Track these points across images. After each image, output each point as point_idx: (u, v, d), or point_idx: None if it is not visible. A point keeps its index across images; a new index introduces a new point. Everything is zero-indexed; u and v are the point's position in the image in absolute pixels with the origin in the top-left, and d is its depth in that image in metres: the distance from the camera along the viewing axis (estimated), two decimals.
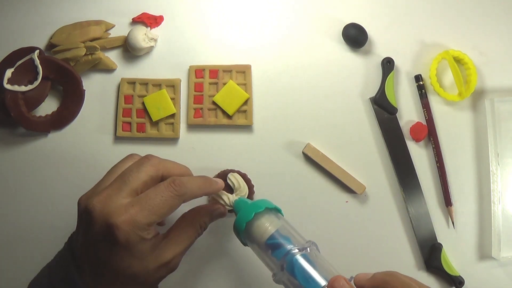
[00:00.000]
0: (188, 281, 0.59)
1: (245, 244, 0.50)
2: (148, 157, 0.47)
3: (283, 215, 0.50)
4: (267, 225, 0.47)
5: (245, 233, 0.48)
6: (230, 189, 0.55)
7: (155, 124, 0.60)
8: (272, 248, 0.46)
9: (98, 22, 0.62)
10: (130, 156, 0.50)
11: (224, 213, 0.53)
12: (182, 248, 0.47)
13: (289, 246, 0.45)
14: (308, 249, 0.45)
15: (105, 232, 0.43)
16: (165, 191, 0.44)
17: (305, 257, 0.44)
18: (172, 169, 0.48)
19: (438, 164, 0.59)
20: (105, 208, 0.43)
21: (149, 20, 0.62)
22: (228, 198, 0.53)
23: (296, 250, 0.45)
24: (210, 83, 0.60)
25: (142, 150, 0.60)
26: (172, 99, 0.60)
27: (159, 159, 0.48)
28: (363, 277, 0.43)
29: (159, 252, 0.46)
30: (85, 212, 0.44)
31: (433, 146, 0.59)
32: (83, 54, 0.60)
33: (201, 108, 0.60)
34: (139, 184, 0.45)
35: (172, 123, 0.60)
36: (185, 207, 0.49)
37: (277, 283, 0.45)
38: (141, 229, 0.43)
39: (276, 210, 0.50)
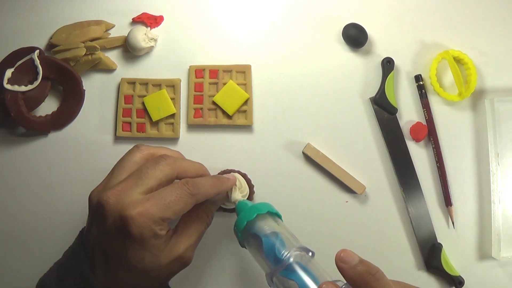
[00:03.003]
0: (190, 280, 0.59)
1: (243, 246, 0.50)
2: (164, 156, 0.48)
3: (282, 221, 0.50)
4: (266, 228, 0.47)
5: (244, 233, 0.48)
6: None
7: (155, 124, 0.60)
8: (267, 251, 0.46)
9: (98, 22, 0.62)
10: (137, 147, 0.50)
11: (225, 196, 0.54)
12: (193, 240, 0.47)
13: (284, 251, 0.45)
14: (303, 255, 0.45)
15: (118, 225, 0.43)
16: (179, 190, 0.45)
17: (298, 263, 0.44)
18: (188, 169, 0.49)
19: (438, 164, 0.59)
20: (119, 201, 0.43)
21: (149, 20, 0.62)
22: (233, 194, 0.54)
23: (291, 256, 0.45)
24: (210, 83, 0.60)
25: None
26: (172, 99, 0.60)
27: (175, 159, 0.48)
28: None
29: (171, 247, 0.46)
30: (98, 205, 0.44)
31: (433, 146, 0.59)
32: (83, 54, 0.60)
33: (201, 108, 0.60)
34: (155, 182, 0.45)
35: (172, 123, 0.60)
36: None
37: (270, 286, 0.45)
38: (155, 222, 0.43)
39: (277, 215, 0.50)
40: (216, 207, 0.52)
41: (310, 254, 0.46)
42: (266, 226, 0.48)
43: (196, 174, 0.50)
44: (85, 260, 0.46)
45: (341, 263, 0.39)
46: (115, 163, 0.50)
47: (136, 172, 0.46)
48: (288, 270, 0.44)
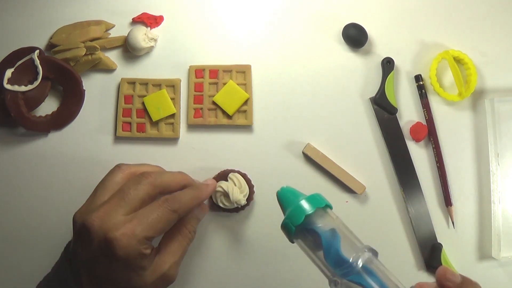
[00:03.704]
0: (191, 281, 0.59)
1: (292, 241, 0.44)
2: (145, 174, 0.48)
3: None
4: (324, 224, 0.42)
5: (298, 228, 0.42)
6: (226, 195, 0.55)
7: (155, 124, 0.60)
8: (327, 250, 0.41)
9: (98, 22, 0.62)
10: (118, 167, 0.51)
11: (206, 209, 0.54)
12: (177, 257, 0.48)
13: (352, 253, 0.40)
14: (371, 257, 0.41)
15: (104, 247, 0.44)
16: (160, 208, 0.46)
17: (366, 267, 0.40)
18: (170, 183, 0.50)
19: (438, 164, 0.59)
20: (103, 224, 0.44)
21: (149, 20, 0.62)
22: (233, 195, 0.54)
23: (361, 259, 0.40)
24: (210, 83, 0.60)
25: (142, 150, 0.60)
26: (172, 99, 0.60)
27: (156, 175, 0.48)
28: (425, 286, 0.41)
29: (155, 265, 0.46)
30: (82, 228, 0.45)
31: (433, 146, 0.59)
32: (83, 54, 0.60)
33: (201, 108, 0.60)
34: (137, 202, 0.46)
35: (172, 123, 0.60)
36: None
37: None
38: (140, 242, 0.44)
39: (329, 207, 0.44)
40: (198, 222, 0.52)
41: (375, 255, 0.41)
42: (324, 221, 0.42)
43: (179, 187, 0.51)
44: (72, 280, 0.47)
45: (446, 281, 0.40)
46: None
47: (118, 192, 0.47)
48: (356, 275, 0.40)
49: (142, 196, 0.47)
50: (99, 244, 0.44)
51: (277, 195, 0.45)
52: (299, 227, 0.42)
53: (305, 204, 0.42)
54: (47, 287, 0.49)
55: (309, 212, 0.42)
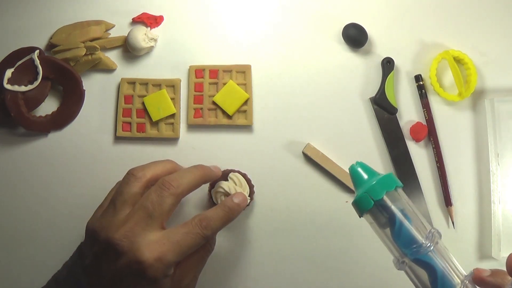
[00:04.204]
0: None
1: (361, 216, 0.45)
2: (166, 184, 0.47)
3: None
4: (398, 204, 0.43)
5: (375, 204, 0.43)
6: (226, 195, 0.55)
7: (155, 124, 0.60)
8: (398, 230, 0.42)
9: (98, 22, 0.62)
10: (133, 176, 0.49)
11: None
12: (196, 271, 0.48)
13: (423, 236, 0.42)
14: (438, 240, 0.42)
15: (134, 267, 0.43)
16: (193, 232, 0.46)
17: (434, 252, 0.42)
18: (191, 187, 0.48)
19: (438, 164, 0.58)
20: (134, 243, 0.44)
21: (149, 20, 0.62)
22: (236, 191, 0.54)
23: (429, 242, 0.42)
24: (210, 83, 0.60)
25: (142, 150, 0.60)
26: (172, 99, 0.60)
27: (177, 183, 0.47)
28: (483, 272, 0.42)
29: (176, 280, 0.46)
30: (108, 245, 0.45)
31: (433, 146, 0.59)
32: (83, 54, 0.60)
33: (201, 108, 0.60)
34: (164, 217, 0.46)
35: (172, 123, 0.60)
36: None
37: (398, 269, 0.44)
38: (169, 266, 0.44)
39: (400, 187, 0.45)
40: (217, 233, 0.51)
41: (440, 236, 0.43)
42: (397, 200, 0.43)
43: (200, 185, 0.50)
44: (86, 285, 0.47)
45: None
46: (112, 190, 0.51)
47: (141, 208, 0.46)
48: (424, 255, 0.42)
49: (168, 209, 0.46)
50: (129, 263, 0.44)
51: (351, 169, 0.45)
52: (375, 203, 0.43)
53: (385, 181, 0.43)
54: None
55: (390, 190, 0.43)
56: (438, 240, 0.43)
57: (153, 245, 0.44)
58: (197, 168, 0.51)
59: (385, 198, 0.43)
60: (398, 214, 0.43)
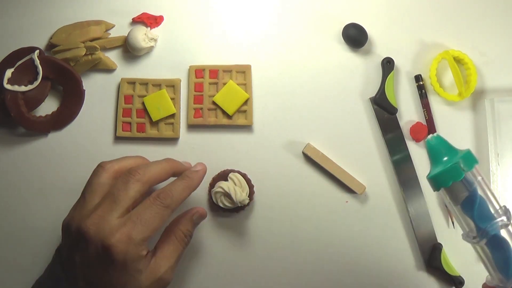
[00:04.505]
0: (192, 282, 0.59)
1: (436, 190, 0.46)
2: (132, 171, 0.48)
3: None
4: (476, 182, 0.44)
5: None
6: (226, 195, 0.55)
7: (155, 124, 0.60)
8: (471, 207, 0.44)
9: (98, 22, 0.62)
10: (101, 167, 0.50)
11: (204, 214, 0.53)
12: (172, 262, 0.48)
13: (493, 214, 0.43)
14: (510, 218, 0.43)
15: (101, 253, 0.44)
16: (153, 206, 0.46)
17: (508, 232, 0.43)
18: (157, 176, 0.49)
19: None
20: (99, 230, 0.44)
21: (149, 20, 0.62)
22: (237, 195, 0.54)
23: (503, 219, 0.43)
24: (210, 83, 0.60)
25: (142, 150, 0.60)
26: (172, 99, 0.60)
27: (143, 171, 0.48)
28: None
29: (151, 269, 0.47)
30: (78, 235, 0.45)
31: None
32: (83, 54, 0.60)
33: (201, 108, 0.60)
34: (129, 202, 0.46)
35: (172, 123, 0.60)
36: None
37: (468, 242, 0.45)
38: (137, 244, 0.45)
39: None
40: (194, 226, 0.52)
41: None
42: (474, 177, 0.44)
43: (168, 176, 0.50)
44: (65, 284, 0.47)
45: None
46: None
47: (108, 195, 0.47)
48: (496, 233, 0.43)
49: (133, 195, 0.47)
50: (96, 251, 0.44)
51: (436, 139, 0.46)
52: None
53: (470, 155, 0.44)
54: None
55: (477, 164, 0.44)
56: (510, 218, 0.43)
57: (117, 228, 0.44)
58: (165, 160, 0.52)
59: (470, 172, 0.44)
60: (475, 190, 0.44)
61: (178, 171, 0.52)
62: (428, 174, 0.46)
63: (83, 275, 0.46)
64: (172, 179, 0.51)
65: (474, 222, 0.44)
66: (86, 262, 0.45)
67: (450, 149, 0.45)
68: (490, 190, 0.44)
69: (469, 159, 0.44)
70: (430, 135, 0.46)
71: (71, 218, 0.48)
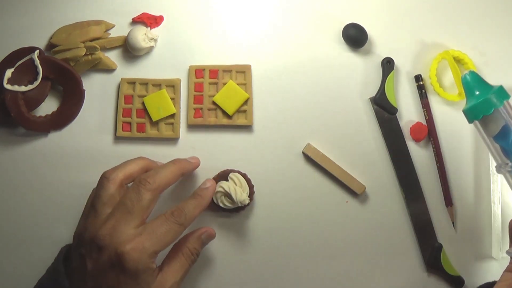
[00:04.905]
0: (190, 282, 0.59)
1: (471, 122, 0.50)
2: (142, 181, 0.49)
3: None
4: (506, 113, 0.48)
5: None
6: (226, 195, 0.55)
7: (155, 124, 0.60)
8: (503, 138, 0.48)
9: (98, 22, 0.62)
10: (106, 179, 0.51)
11: (213, 234, 0.55)
12: (178, 277, 0.50)
13: None
14: None
15: (114, 261, 0.45)
16: (168, 222, 0.48)
17: None
18: (167, 181, 0.51)
19: (438, 164, 0.59)
20: (114, 239, 0.46)
21: (149, 20, 0.62)
22: (237, 195, 0.54)
23: None
24: (210, 83, 0.60)
25: (142, 150, 0.60)
26: (172, 99, 0.60)
27: (152, 179, 0.49)
28: None
29: (158, 283, 0.48)
30: (92, 243, 0.46)
31: (433, 146, 0.59)
32: (83, 54, 0.60)
33: (201, 108, 0.60)
34: (143, 212, 0.48)
35: (172, 123, 0.60)
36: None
37: (498, 173, 0.51)
38: (149, 256, 0.46)
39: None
40: (202, 245, 0.54)
41: None
42: (508, 114, 0.48)
43: (177, 179, 0.52)
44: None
45: None
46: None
47: (120, 206, 0.48)
48: None
49: (147, 205, 0.48)
50: (109, 258, 0.45)
51: (465, 78, 0.50)
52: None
53: (503, 91, 0.48)
54: None
55: (508, 99, 0.48)
56: None
57: (132, 237, 0.46)
58: (173, 162, 0.53)
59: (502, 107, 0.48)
60: (508, 122, 0.47)
61: (187, 171, 0.54)
62: (464, 108, 0.50)
63: (93, 282, 0.46)
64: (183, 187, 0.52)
65: (508, 151, 0.48)
66: (98, 270, 0.46)
67: (484, 85, 0.49)
68: None
69: (501, 94, 0.48)
70: (466, 71, 0.50)
71: (84, 228, 0.49)
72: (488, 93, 0.48)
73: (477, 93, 0.49)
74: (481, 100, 0.48)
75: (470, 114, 0.49)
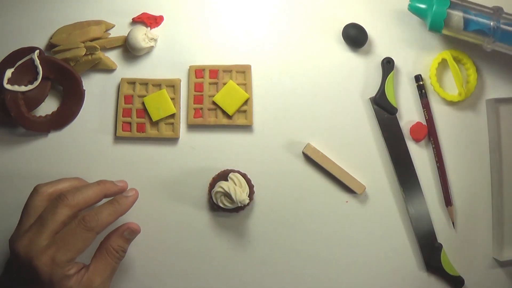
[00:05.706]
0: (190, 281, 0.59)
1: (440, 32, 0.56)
2: (61, 197, 0.50)
3: None
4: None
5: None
6: (226, 195, 0.55)
7: (155, 124, 0.60)
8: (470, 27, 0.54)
9: (98, 22, 0.62)
10: (35, 190, 0.53)
11: (136, 230, 0.55)
12: (105, 276, 0.51)
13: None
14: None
15: (31, 274, 0.47)
16: (77, 229, 0.48)
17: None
18: (87, 200, 0.51)
19: (438, 164, 0.59)
20: (28, 252, 0.48)
21: (149, 20, 0.62)
22: (237, 195, 0.54)
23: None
24: (210, 83, 0.60)
25: (142, 150, 0.60)
26: (172, 99, 0.60)
27: (72, 196, 0.50)
28: None
29: (83, 283, 0.49)
30: (13, 254, 0.49)
31: (433, 146, 0.59)
32: (83, 54, 0.60)
33: (201, 108, 0.60)
34: (57, 226, 0.49)
35: (172, 123, 0.60)
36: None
37: (488, 50, 0.55)
38: (62, 266, 0.47)
39: None
40: (127, 242, 0.54)
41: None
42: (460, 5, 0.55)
43: (98, 199, 0.53)
44: None
45: None
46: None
47: (38, 219, 0.50)
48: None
49: (62, 219, 0.49)
50: (27, 271, 0.47)
51: (411, 5, 0.56)
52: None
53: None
54: None
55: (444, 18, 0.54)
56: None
57: (43, 250, 0.47)
58: (98, 183, 0.54)
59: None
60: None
61: (110, 194, 0.54)
62: (428, 27, 0.56)
63: None
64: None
65: (483, 32, 0.53)
66: (23, 281, 0.49)
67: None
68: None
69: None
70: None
71: (11, 238, 0.51)
72: (432, 3, 0.54)
73: (423, 6, 0.56)
74: (433, 11, 0.54)
75: (435, 27, 0.55)
